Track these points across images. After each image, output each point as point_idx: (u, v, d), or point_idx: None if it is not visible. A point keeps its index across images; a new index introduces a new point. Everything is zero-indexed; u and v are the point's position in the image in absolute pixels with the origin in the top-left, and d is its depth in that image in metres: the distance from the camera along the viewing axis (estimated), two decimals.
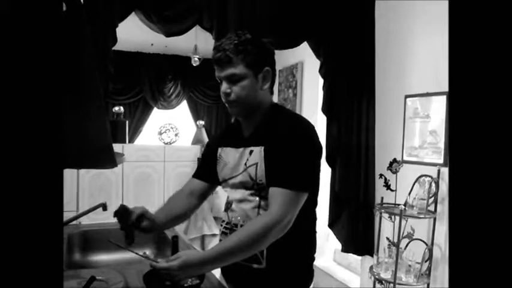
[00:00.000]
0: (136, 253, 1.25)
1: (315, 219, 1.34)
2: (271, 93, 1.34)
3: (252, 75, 1.23)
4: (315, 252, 1.36)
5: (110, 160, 0.76)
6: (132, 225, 1.29)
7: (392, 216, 2.33)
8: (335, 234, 2.93)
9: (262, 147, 1.23)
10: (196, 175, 1.50)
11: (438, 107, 2.32)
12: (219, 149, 1.39)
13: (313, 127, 1.25)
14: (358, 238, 2.77)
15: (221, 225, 1.37)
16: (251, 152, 1.26)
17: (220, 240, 1.37)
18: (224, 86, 1.24)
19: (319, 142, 1.25)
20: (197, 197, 1.46)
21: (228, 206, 1.34)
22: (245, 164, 1.26)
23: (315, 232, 1.35)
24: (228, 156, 1.34)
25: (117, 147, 2.38)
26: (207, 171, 1.44)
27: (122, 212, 1.28)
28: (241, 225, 1.27)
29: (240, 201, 1.29)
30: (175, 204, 1.43)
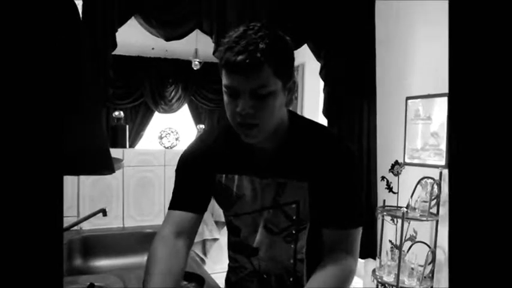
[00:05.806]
0: None
1: None
2: None
3: (281, 88, 0.88)
4: None
5: (107, 166, 0.75)
6: None
7: (395, 219, 2.31)
8: None
9: (306, 183, 0.95)
10: (179, 206, 1.02)
11: (439, 109, 2.31)
12: (219, 176, 1.04)
13: (352, 148, 1.02)
14: (360, 241, 2.75)
15: (241, 271, 1.11)
16: (282, 184, 0.97)
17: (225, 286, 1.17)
18: (245, 104, 0.85)
19: None
20: (188, 237, 1.02)
21: (252, 252, 1.06)
22: (274, 200, 0.99)
23: None
24: (243, 187, 1.02)
25: (117, 152, 2.38)
26: (196, 199, 1.04)
27: None
28: (275, 275, 1.05)
29: (270, 246, 1.03)
30: (171, 266, 0.96)
